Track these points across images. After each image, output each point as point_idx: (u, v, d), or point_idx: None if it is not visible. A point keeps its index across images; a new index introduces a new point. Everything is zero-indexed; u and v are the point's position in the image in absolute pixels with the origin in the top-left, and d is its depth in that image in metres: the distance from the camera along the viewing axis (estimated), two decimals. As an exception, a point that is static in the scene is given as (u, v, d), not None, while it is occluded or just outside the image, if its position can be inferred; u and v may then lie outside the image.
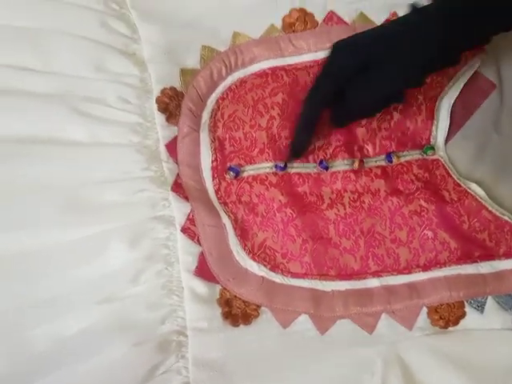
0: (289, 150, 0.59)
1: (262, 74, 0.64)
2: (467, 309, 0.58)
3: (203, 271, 0.55)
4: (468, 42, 0.53)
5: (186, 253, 0.55)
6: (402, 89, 0.55)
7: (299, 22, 0.65)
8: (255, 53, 0.64)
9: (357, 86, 0.53)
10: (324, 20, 0.66)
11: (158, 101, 0.59)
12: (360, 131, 0.63)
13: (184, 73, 0.61)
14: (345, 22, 0.66)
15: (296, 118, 0.57)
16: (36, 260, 0.52)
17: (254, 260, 0.57)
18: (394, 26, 0.54)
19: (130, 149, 0.55)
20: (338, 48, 0.54)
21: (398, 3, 0.67)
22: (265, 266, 0.57)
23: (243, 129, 0.61)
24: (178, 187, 0.57)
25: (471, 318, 0.58)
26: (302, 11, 0.66)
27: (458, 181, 0.61)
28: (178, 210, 0.56)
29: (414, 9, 0.53)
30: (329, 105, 0.56)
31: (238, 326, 0.54)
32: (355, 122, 0.63)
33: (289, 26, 0.65)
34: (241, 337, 0.54)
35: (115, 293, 0.52)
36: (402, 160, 0.62)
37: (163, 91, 0.59)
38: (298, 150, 0.59)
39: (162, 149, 0.58)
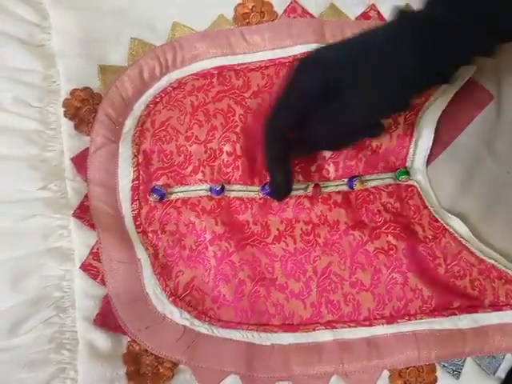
0: (272, 192, 0.48)
1: (206, 75, 0.53)
2: (439, 373, 0.48)
3: (106, 320, 0.44)
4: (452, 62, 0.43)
5: (84, 296, 0.44)
6: (377, 119, 0.44)
7: (254, 12, 0.54)
8: (199, 49, 0.53)
9: (320, 115, 0.43)
10: (285, 11, 0.55)
11: (65, 104, 0.48)
12: (321, 147, 0.51)
13: (104, 70, 0.50)
14: (310, 15, 0.55)
15: (264, 156, 0.46)
16: None
17: (176, 305, 0.46)
18: (369, 39, 0.43)
19: (23, 163, 0.45)
20: (301, 66, 0.43)
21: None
22: (189, 312, 0.46)
23: (176, 141, 0.50)
24: (82, 212, 0.46)
25: (444, 384, 0.47)
26: (259, 0, 0.54)
27: (435, 214, 0.50)
28: (80, 241, 0.45)
29: (397, 17, 0.42)
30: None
31: (145, 389, 0.43)
32: None
33: (242, 18, 0.54)
34: (148, 406, 0.43)
35: (-11, 345, 0.41)
36: (370, 185, 0.51)
37: (73, 92, 0.48)
38: (279, 191, 0.47)
39: (67, 164, 0.47)
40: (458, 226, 0.50)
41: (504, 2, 0.40)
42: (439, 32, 0.40)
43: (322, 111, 0.42)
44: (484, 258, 0.49)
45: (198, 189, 0.50)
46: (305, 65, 0.43)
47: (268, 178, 0.51)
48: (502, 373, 0.49)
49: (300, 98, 0.42)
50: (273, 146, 0.44)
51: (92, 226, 0.46)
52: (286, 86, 0.43)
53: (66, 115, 0.48)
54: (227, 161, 0.50)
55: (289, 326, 0.48)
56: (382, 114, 0.44)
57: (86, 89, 0.49)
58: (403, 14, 0.42)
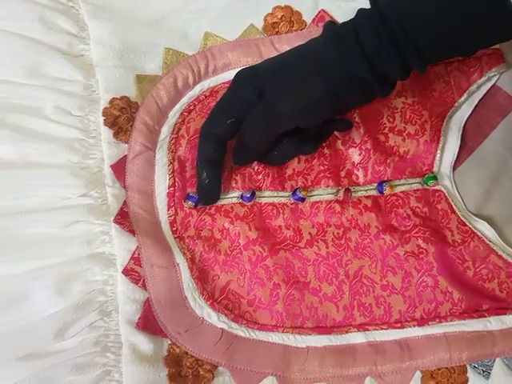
0: (198, 196, 0.50)
1: (238, 83, 0.53)
2: (470, 374, 0.49)
3: (148, 323, 0.45)
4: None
5: (127, 300, 0.45)
6: (303, 125, 0.46)
7: (284, 21, 0.55)
8: (230, 58, 0.54)
9: (249, 118, 0.45)
10: (313, 20, 0.56)
11: (104, 113, 0.49)
12: (351, 152, 0.53)
13: (140, 79, 0.51)
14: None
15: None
16: None
17: (214, 308, 0.47)
18: (301, 49, 0.46)
19: (65, 170, 0.46)
20: (239, 76, 0.46)
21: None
22: (226, 315, 0.48)
23: (210, 148, 0.51)
24: (122, 218, 0.47)
25: (475, 385, 0.48)
26: (288, 9, 0.55)
27: (463, 218, 0.51)
28: (121, 246, 0.46)
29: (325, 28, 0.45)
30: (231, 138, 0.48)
31: (187, 392, 0.44)
32: (347, 141, 0.53)
33: (271, 27, 0.55)
34: (190, 406, 0.44)
35: (36, 349, 0.43)
36: (398, 190, 0.52)
37: (112, 101, 0.50)
38: (204, 195, 0.49)
39: (107, 171, 0.48)
40: (485, 229, 0.51)
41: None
42: (359, 42, 0.42)
43: (251, 115, 0.45)
44: (511, 260, 0.50)
45: (230, 196, 0.51)
46: (241, 73, 0.46)
47: (299, 183, 0.52)
48: (530, 373, 0.49)
49: (234, 104, 0.45)
50: (205, 148, 0.47)
51: (132, 232, 0.47)
52: (225, 93, 0.46)
53: (105, 124, 0.49)
54: (258, 168, 0.52)
55: (322, 329, 0.49)
56: (306, 121, 0.46)
57: (123, 98, 0.50)
58: (331, 25, 0.44)
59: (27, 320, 0.43)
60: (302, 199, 0.50)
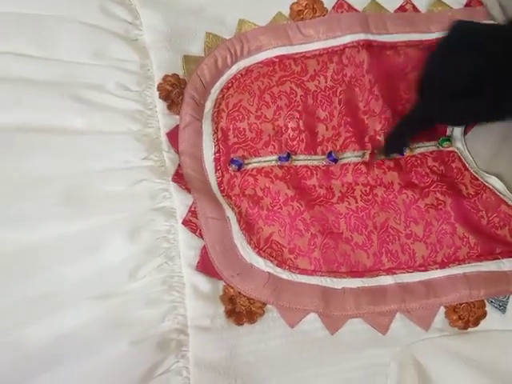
0: (384, 148, 0.58)
1: (269, 63, 0.61)
2: (488, 308, 0.55)
3: (206, 266, 0.52)
4: None
5: (187, 247, 0.52)
6: None
7: (308, 9, 0.63)
8: (262, 41, 0.61)
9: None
10: (334, 7, 0.63)
11: (159, 88, 0.56)
12: (372, 121, 0.60)
13: (187, 60, 0.59)
14: (355, 10, 0.64)
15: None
16: (33, 255, 0.49)
17: (260, 255, 0.54)
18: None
19: (129, 137, 0.53)
20: None
21: (412, -11, 0.64)
22: (271, 261, 0.54)
23: (248, 119, 0.58)
24: (179, 178, 0.54)
25: (492, 318, 0.55)
26: (311, -2, 0.63)
27: (475, 174, 0.58)
28: (179, 201, 0.53)
29: None
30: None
31: (242, 324, 0.51)
32: (367, 111, 0.59)
33: (297, 14, 0.63)
34: (245, 336, 0.51)
35: (113, 288, 0.49)
36: (416, 152, 0.59)
37: (165, 78, 0.57)
38: (389, 151, 0.58)
39: (163, 138, 0.55)
40: (495, 183, 0.58)
41: None
42: None
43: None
44: (520, 210, 0.57)
45: (269, 159, 0.57)
46: None
47: (329, 148, 0.59)
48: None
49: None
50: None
51: (188, 190, 0.54)
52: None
53: (160, 97, 0.56)
54: (292, 135, 0.58)
55: (355, 273, 0.55)
56: None
57: (174, 75, 0.57)
58: None
59: (104, 265, 0.49)
60: (336, 160, 0.57)
